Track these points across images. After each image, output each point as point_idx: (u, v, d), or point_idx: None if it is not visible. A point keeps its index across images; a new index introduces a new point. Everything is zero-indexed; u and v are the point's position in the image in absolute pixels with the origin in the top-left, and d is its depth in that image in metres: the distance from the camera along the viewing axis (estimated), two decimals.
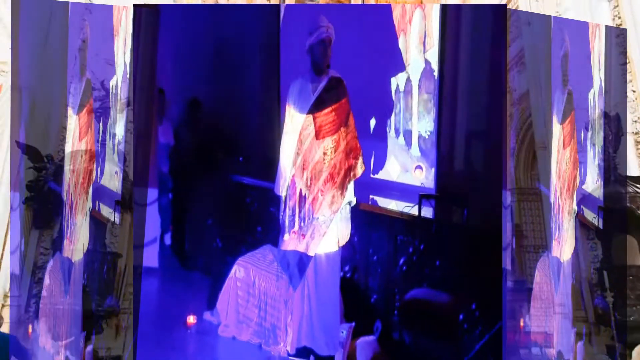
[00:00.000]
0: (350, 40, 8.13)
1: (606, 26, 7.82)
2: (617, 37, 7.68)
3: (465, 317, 7.64)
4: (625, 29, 8.12)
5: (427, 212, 8.15)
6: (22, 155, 7.15)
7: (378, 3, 8.56)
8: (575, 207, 7.49)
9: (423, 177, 8.38)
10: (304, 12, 8.54)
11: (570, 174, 7.45)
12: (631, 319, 7.40)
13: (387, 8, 8.41)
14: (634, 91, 8.18)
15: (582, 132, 7.54)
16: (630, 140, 8.06)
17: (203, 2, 9.85)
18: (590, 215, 7.52)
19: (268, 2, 9.58)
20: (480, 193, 7.86)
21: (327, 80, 7.63)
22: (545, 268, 7.38)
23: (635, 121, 8.18)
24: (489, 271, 7.47)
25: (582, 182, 7.57)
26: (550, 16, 7.65)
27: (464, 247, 7.72)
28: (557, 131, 7.44)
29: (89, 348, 7.17)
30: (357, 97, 7.80)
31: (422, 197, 8.10)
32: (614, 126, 7.45)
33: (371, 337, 7.97)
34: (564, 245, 7.41)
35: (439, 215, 8.14)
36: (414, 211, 8.16)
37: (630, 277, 7.48)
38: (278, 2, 9.34)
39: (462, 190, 8.08)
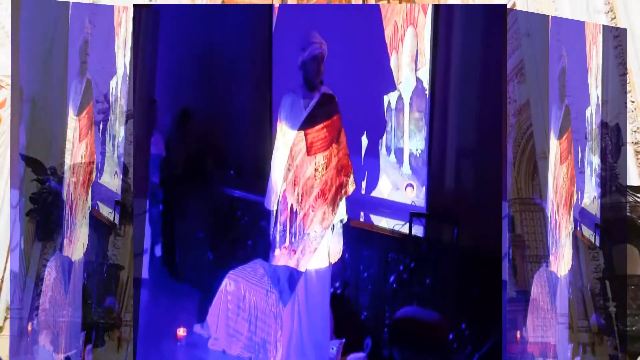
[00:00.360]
0: (341, 58, 8.16)
1: (604, 29, 7.82)
2: (615, 48, 7.70)
3: (455, 337, 7.70)
4: (625, 29, 8.13)
5: (418, 230, 8.18)
6: (24, 167, 7.16)
7: (369, 21, 8.50)
8: (572, 223, 7.53)
9: (414, 195, 8.40)
10: (297, 26, 8.53)
11: (567, 190, 7.48)
12: (633, 328, 7.43)
13: (379, 25, 8.41)
14: (632, 101, 8.21)
15: (579, 150, 7.56)
16: (630, 150, 8.12)
17: (194, 3, 9.80)
18: (587, 232, 7.55)
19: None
20: (471, 212, 7.90)
21: (319, 96, 7.63)
22: (542, 280, 7.40)
23: (635, 131, 8.21)
24: (480, 291, 7.54)
25: (580, 200, 7.59)
26: (547, 17, 7.65)
27: (454, 266, 7.77)
28: (555, 146, 7.47)
29: (89, 347, 7.19)
30: (349, 115, 7.83)
31: (412, 215, 8.14)
32: (614, 136, 7.48)
33: (361, 354, 8.06)
34: (561, 260, 7.44)
35: (429, 233, 8.16)
36: (405, 229, 8.20)
37: (632, 287, 7.51)
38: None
39: (453, 209, 8.11)
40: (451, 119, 8.23)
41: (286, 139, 7.72)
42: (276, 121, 8.77)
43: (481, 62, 7.97)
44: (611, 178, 7.53)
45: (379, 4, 8.62)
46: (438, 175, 8.32)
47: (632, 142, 8.19)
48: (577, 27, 7.74)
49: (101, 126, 7.34)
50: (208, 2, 9.71)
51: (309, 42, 7.54)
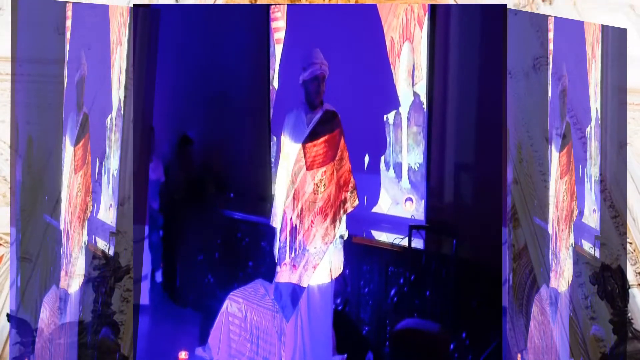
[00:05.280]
0: (345, 76, 8.35)
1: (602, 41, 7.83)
2: (601, 192, 7.68)
3: (455, 347, 7.73)
4: (625, 29, 8.12)
5: (418, 243, 8.22)
6: (11, 329, 7.16)
7: (372, 39, 8.59)
8: (572, 239, 7.51)
9: (413, 209, 8.46)
10: (300, 47, 8.67)
11: (567, 205, 7.47)
12: None
13: (382, 43, 8.55)
14: (630, 243, 8.10)
15: (581, 167, 7.53)
16: (637, 292, 8.01)
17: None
18: (587, 246, 7.47)
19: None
20: (470, 223, 7.96)
21: (321, 113, 7.69)
22: (543, 301, 7.35)
23: (639, 273, 8.16)
24: (479, 300, 7.59)
25: (581, 215, 7.56)
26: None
27: (454, 277, 7.78)
28: (555, 160, 7.49)
29: None
30: (351, 133, 7.90)
31: (412, 228, 8.18)
32: (619, 279, 7.16)
33: None
34: (561, 276, 7.39)
35: (429, 246, 8.21)
36: (405, 242, 8.23)
37: None
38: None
39: (452, 221, 8.17)
40: (449, 132, 8.31)
41: (289, 154, 7.75)
42: (273, 143, 8.91)
43: (479, 73, 8.08)
44: (624, 324, 7.15)
45: (380, 18, 8.59)
46: (437, 188, 8.38)
47: (638, 284, 8.11)
48: (578, 45, 7.77)
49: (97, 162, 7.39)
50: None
51: (310, 62, 7.60)
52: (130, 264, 6.89)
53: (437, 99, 8.29)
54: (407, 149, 8.48)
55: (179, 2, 8.64)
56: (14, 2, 7.47)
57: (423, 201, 8.40)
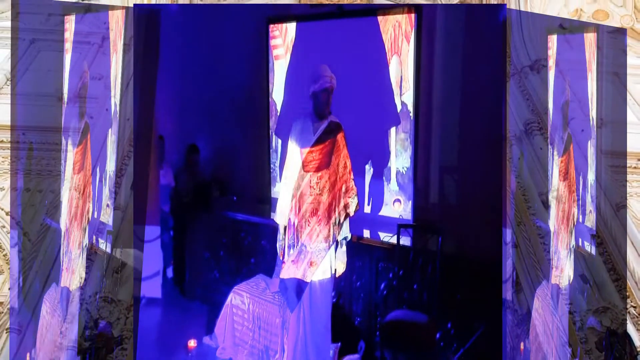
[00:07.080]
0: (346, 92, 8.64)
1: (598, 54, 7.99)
2: (601, 255, 7.68)
3: (441, 336, 8.13)
4: (625, 32, 8.47)
5: (406, 240, 8.63)
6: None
7: (376, 60, 8.98)
8: (573, 242, 7.66)
9: (401, 209, 8.97)
10: (308, 63, 9.19)
11: (567, 208, 7.67)
12: None
13: (384, 64, 9.03)
14: (634, 307, 7.92)
15: (581, 177, 7.75)
16: None
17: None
18: (586, 245, 7.69)
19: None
20: (454, 222, 8.44)
21: (327, 123, 8.04)
22: (544, 295, 7.55)
23: None
24: (463, 293, 8.01)
25: (583, 221, 7.76)
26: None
27: (439, 271, 8.16)
28: (557, 164, 7.69)
29: None
30: (355, 145, 8.31)
31: (400, 227, 8.57)
32: (626, 345, 7.24)
33: (355, 356, 8.57)
34: (562, 272, 7.59)
35: (416, 243, 8.61)
36: (394, 240, 8.66)
37: None
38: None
39: (437, 220, 8.64)
40: (434, 138, 8.80)
41: (294, 159, 8.10)
42: (273, 150, 9.53)
43: (461, 83, 8.60)
44: None
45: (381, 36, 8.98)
46: (423, 190, 8.86)
47: None
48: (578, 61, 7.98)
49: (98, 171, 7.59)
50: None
51: (320, 75, 7.93)
52: (123, 334, 6.93)
53: (422, 107, 8.77)
54: (396, 154, 8.97)
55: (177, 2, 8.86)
56: (14, 70, 7.86)
57: (410, 202, 8.91)
